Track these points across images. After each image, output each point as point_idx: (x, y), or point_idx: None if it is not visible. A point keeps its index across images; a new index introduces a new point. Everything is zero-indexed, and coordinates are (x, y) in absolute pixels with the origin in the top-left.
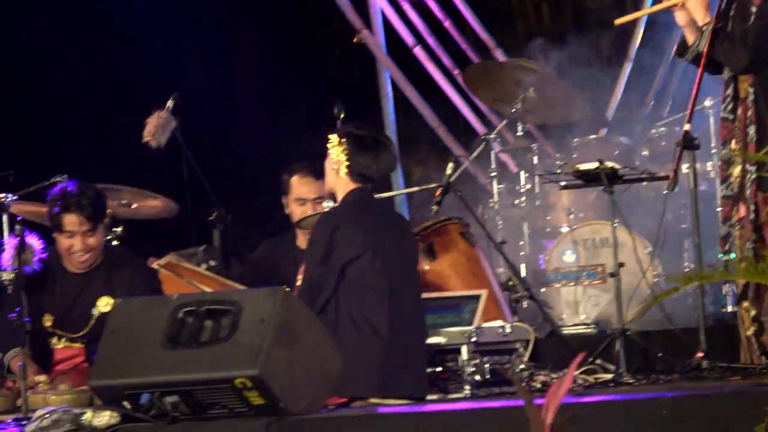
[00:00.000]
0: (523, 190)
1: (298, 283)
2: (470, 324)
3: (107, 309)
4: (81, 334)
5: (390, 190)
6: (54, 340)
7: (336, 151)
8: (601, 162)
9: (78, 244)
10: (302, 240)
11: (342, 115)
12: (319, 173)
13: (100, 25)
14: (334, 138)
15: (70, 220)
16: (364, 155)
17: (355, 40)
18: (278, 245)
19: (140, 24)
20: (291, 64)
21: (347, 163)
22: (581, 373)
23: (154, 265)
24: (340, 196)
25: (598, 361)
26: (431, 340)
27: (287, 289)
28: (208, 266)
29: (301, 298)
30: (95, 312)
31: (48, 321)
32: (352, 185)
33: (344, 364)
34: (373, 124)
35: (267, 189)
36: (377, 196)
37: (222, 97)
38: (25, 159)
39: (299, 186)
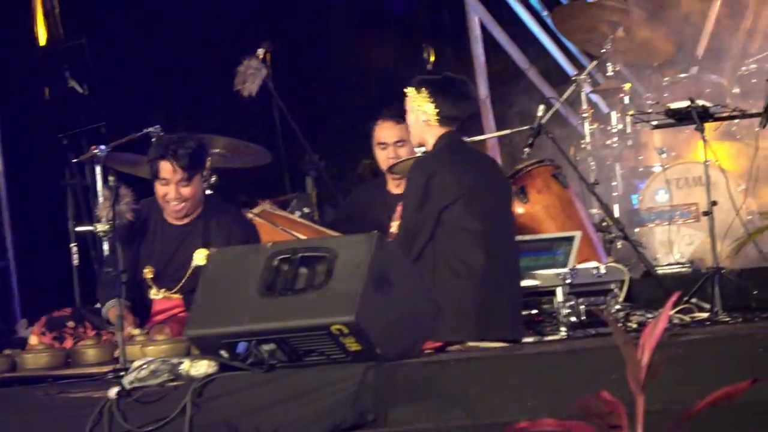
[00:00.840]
0: (614, 130)
1: (393, 229)
2: (564, 266)
3: (204, 262)
4: (179, 286)
5: (481, 133)
6: (153, 291)
7: (418, 101)
8: (692, 101)
9: (172, 192)
10: (392, 185)
11: (432, 59)
12: (400, 116)
13: None
14: (411, 90)
15: (166, 168)
16: (445, 98)
17: None
18: (369, 191)
19: None
20: (381, 7)
21: (435, 109)
22: (676, 312)
23: (248, 214)
24: (431, 144)
25: (694, 300)
26: (526, 283)
27: (381, 234)
28: (301, 214)
29: (398, 245)
30: (193, 264)
31: (149, 273)
32: (441, 130)
33: (440, 308)
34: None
35: (359, 134)
36: (469, 139)
37: (312, 43)
38: (117, 110)
39: (380, 130)
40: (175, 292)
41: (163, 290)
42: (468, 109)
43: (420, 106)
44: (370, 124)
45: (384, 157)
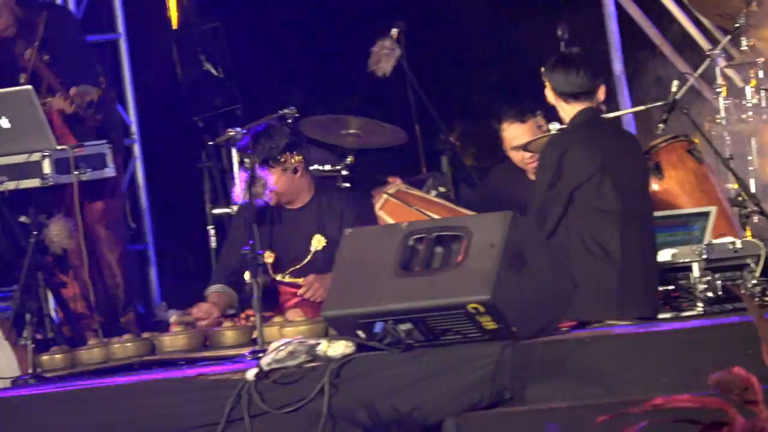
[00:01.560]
0: (749, 104)
1: None
2: (700, 241)
3: (320, 246)
4: (296, 268)
5: (617, 109)
6: (279, 276)
7: (545, 80)
8: None
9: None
10: (533, 174)
11: (566, 36)
12: (524, 114)
13: None
14: (543, 70)
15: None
16: (558, 72)
17: None
18: (508, 170)
19: None
20: None
21: (550, 85)
22: None
23: (383, 194)
24: (567, 120)
25: None
26: (661, 259)
27: (516, 213)
28: (437, 193)
29: (531, 221)
30: (312, 249)
31: (270, 257)
32: (573, 107)
33: (575, 287)
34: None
35: (496, 113)
36: (604, 116)
37: (446, 21)
38: (252, 92)
39: (508, 133)
40: (296, 276)
41: (287, 275)
42: (578, 84)
43: (546, 86)
44: (495, 123)
45: (519, 159)
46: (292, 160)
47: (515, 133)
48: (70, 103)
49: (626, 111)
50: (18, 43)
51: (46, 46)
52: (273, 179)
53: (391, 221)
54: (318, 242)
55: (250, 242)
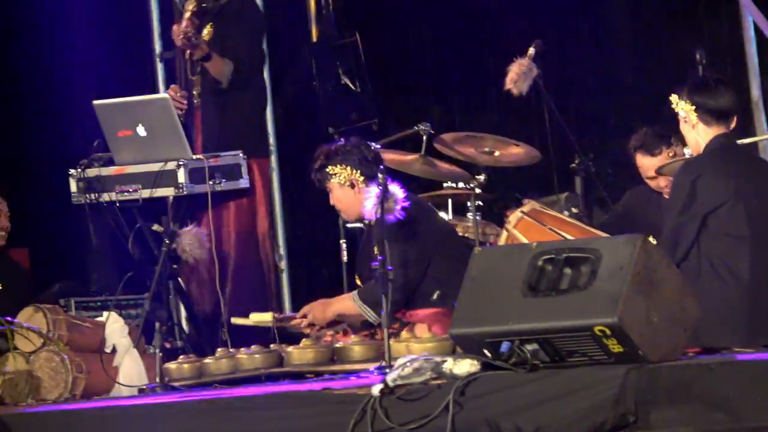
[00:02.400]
0: None
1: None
2: None
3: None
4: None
5: (753, 135)
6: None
7: (681, 105)
8: None
9: (331, 199)
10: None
11: (704, 61)
12: (654, 147)
13: None
14: (674, 98)
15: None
16: (703, 94)
17: None
18: (643, 194)
19: None
20: (658, 9)
21: (693, 107)
22: None
23: (517, 213)
24: (702, 146)
25: None
26: None
27: (646, 237)
28: (569, 213)
29: (663, 247)
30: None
31: (357, 278)
32: (710, 132)
33: (703, 312)
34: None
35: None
36: (739, 141)
37: (586, 41)
38: (389, 108)
39: (641, 163)
40: None
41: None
42: (726, 104)
43: (683, 110)
44: (630, 150)
45: (655, 186)
46: (345, 173)
47: (648, 164)
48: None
49: (763, 137)
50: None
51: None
52: (334, 195)
53: (524, 240)
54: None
55: (380, 258)
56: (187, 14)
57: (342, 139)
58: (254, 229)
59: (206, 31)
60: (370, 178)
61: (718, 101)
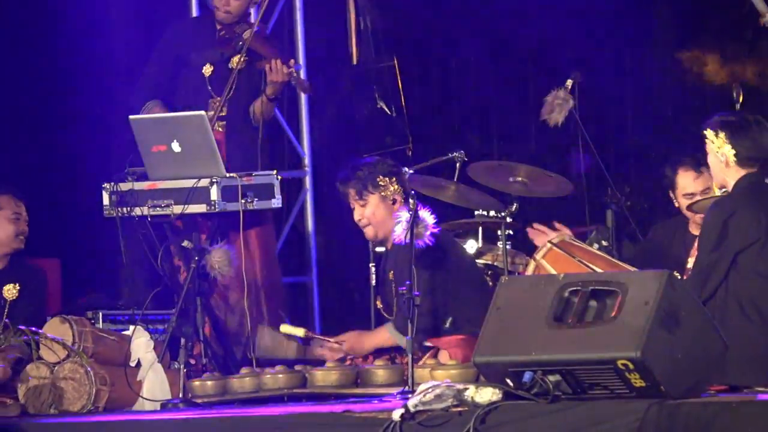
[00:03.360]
0: None
1: (689, 265)
2: None
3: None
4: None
5: None
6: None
7: (717, 143)
8: None
9: (356, 215)
10: (694, 226)
11: (741, 99)
12: (701, 164)
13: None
14: (709, 133)
15: (345, 193)
16: (744, 138)
17: (761, 22)
18: (670, 229)
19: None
20: (697, 43)
21: (732, 150)
22: None
23: (547, 242)
24: (731, 185)
25: None
26: None
27: (673, 273)
28: (599, 246)
29: (691, 284)
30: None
31: (379, 302)
32: (741, 171)
33: (728, 351)
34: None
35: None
36: None
37: (626, 75)
38: (424, 134)
39: (683, 181)
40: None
41: None
42: (761, 147)
43: (719, 148)
44: (668, 173)
45: (688, 212)
46: (392, 188)
47: (688, 182)
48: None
49: None
50: (238, 26)
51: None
52: (368, 208)
53: (552, 270)
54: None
55: (407, 282)
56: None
57: (372, 157)
58: (275, 249)
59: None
60: (405, 201)
61: (758, 146)
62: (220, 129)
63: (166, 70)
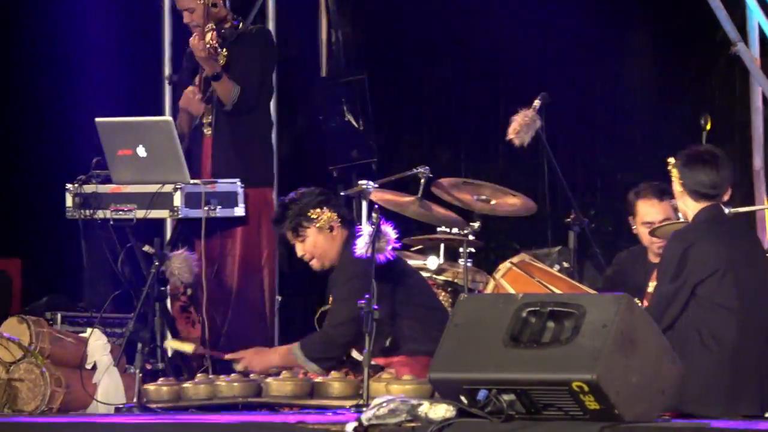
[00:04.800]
0: None
1: (649, 289)
2: None
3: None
4: None
5: (750, 205)
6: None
7: (674, 173)
8: None
9: (298, 251)
10: (653, 255)
11: (708, 126)
12: (663, 193)
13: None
14: (672, 161)
15: (282, 234)
16: (690, 171)
17: (731, 50)
18: (632, 258)
19: (510, 21)
20: (669, 71)
21: (680, 181)
22: None
23: (507, 263)
24: (690, 216)
25: None
26: None
27: (632, 297)
28: (560, 268)
29: (651, 313)
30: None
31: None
32: (701, 204)
33: (683, 378)
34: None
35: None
36: (733, 210)
37: (593, 98)
38: (391, 149)
39: (643, 208)
40: None
41: None
42: (718, 186)
43: (675, 177)
44: (630, 199)
45: (647, 238)
46: (325, 216)
47: (648, 210)
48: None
49: (755, 207)
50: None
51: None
52: (307, 243)
53: (511, 290)
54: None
55: (366, 296)
56: (210, 30)
57: (297, 191)
58: (259, 260)
59: (221, 56)
60: (346, 220)
61: (704, 182)
62: (208, 134)
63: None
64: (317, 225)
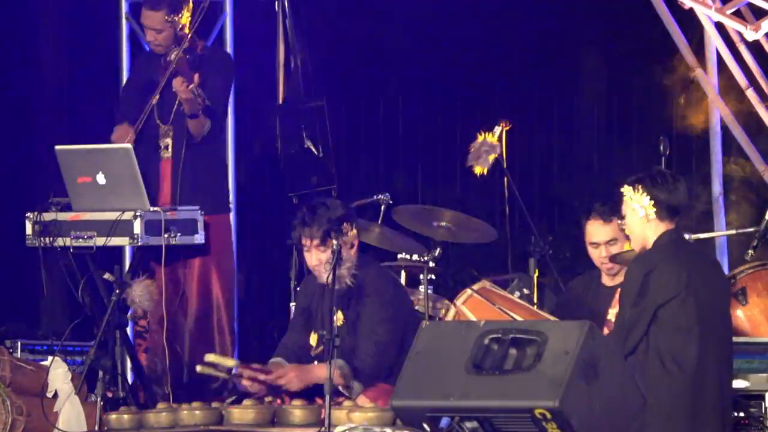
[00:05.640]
0: None
1: (610, 316)
2: None
3: (338, 323)
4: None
5: (710, 231)
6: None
7: (636, 198)
8: None
9: (314, 259)
10: (606, 278)
11: (667, 152)
12: (610, 214)
13: (425, 46)
14: (627, 189)
15: (301, 235)
16: (660, 191)
17: (690, 75)
18: (585, 283)
19: (469, 46)
20: (627, 96)
21: (651, 201)
22: None
23: (468, 290)
24: (651, 241)
25: None
26: (736, 384)
27: (593, 324)
28: (520, 294)
29: (614, 339)
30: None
31: (313, 339)
32: (662, 227)
33: (646, 404)
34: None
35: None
36: (694, 237)
37: (555, 126)
38: (349, 175)
39: (590, 228)
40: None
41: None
42: (682, 201)
43: (638, 202)
44: (581, 219)
45: (596, 256)
46: (353, 233)
47: (596, 231)
48: (186, 86)
49: (716, 234)
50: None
51: (192, 54)
52: (328, 253)
53: (472, 317)
54: (337, 319)
55: (330, 324)
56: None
57: (326, 199)
58: (218, 286)
59: (198, 96)
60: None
61: (676, 198)
62: (166, 157)
63: (131, 98)
64: (344, 239)
